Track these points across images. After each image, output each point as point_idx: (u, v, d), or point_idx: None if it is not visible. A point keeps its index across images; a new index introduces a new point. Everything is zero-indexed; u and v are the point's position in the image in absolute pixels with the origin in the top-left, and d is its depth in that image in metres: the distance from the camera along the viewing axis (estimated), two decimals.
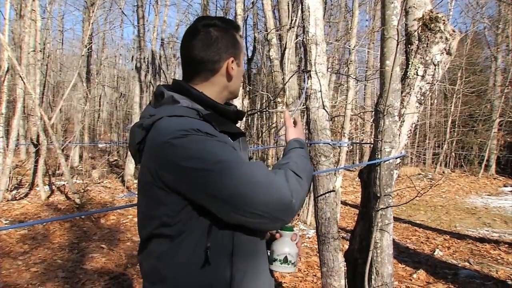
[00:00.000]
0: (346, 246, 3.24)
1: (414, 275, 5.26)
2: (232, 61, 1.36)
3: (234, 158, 1.15)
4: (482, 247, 6.73)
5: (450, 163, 19.30)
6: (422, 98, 2.97)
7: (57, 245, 6.15)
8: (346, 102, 7.68)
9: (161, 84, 1.53)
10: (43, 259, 5.55)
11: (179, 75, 28.46)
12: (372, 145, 3.07)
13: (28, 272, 5.02)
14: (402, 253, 6.36)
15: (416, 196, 3.43)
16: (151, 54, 15.77)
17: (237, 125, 1.43)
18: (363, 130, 13.62)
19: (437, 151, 19.20)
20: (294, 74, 6.09)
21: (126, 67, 28.56)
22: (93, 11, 11.40)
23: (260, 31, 13.50)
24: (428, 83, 2.95)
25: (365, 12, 19.72)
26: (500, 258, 6.11)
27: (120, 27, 24.38)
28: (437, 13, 2.92)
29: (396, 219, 8.34)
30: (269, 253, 1.40)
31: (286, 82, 6.05)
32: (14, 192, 9.12)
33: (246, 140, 1.42)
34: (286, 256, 1.37)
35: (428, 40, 2.89)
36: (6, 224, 6.93)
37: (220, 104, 1.35)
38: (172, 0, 18.76)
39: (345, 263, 3.03)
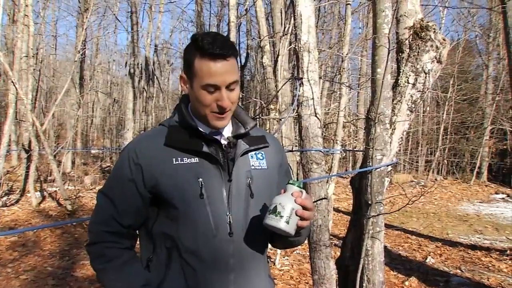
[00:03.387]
0: (339, 253, 3.24)
1: (406, 282, 5.26)
2: (181, 78, 1.39)
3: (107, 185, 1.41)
4: (474, 254, 6.75)
5: (443, 170, 19.39)
6: (413, 106, 2.99)
7: (48, 252, 6.09)
8: (339, 109, 7.71)
9: None
10: (33, 266, 5.49)
11: (172, 81, 28.47)
12: (364, 152, 3.08)
13: (17, 280, 4.97)
14: (394, 260, 6.36)
15: (407, 204, 3.45)
16: (145, 60, 15.78)
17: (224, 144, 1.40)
18: (356, 137, 13.66)
19: (430, 158, 19.30)
20: (287, 82, 6.10)
21: (119, 73, 28.49)
22: (86, 17, 11.39)
23: (254, 38, 13.57)
24: (419, 91, 2.97)
25: (358, 20, 19.86)
26: (491, 265, 6.13)
27: (114, 33, 24.37)
28: (428, 22, 2.95)
29: (388, 226, 8.35)
30: None
31: (279, 89, 6.06)
32: (4, 198, 9.03)
33: (217, 161, 1.34)
34: (276, 206, 1.26)
35: (419, 48, 2.92)
36: None
37: (186, 119, 1.38)
38: (166, 7, 18.77)
39: (336, 271, 3.02)
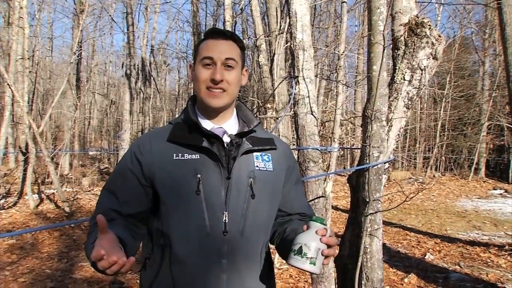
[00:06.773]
0: (337, 252, 3.23)
1: (405, 279, 5.26)
2: (190, 66, 1.47)
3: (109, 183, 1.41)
4: (473, 250, 6.76)
5: (441, 167, 19.42)
6: (410, 102, 2.98)
7: (46, 255, 6.07)
8: (336, 107, 7.69)
9: None
10: (31, 269, 5.46)
11: (169, 82, 28.45)
12: (361, 150, 3.07)
13: (15, 283, 4.95)
14: (393, 257, 6.36)
15: (404, 201, 3.44)
16: (141, 61, 15.75)
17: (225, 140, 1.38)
18: (353, 135, 13.67)
19: (428, 155, 19.32)
20: (283, 80, 6.09)
21: (116, 74, 28.50)
22: (82, 18, 11.35)
23: (249, 37, 13.53)
24: (415, 87, 2.96)
25: (355, 18, 19.91)
26: (490, 261, 6.14)
27: (110, 34, 24.37)
28: (423, 18, 2.94)
29: (387, 223, 8.35)
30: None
31: (276, 88, 6.06)
32: (2, 201, 9.00)
33: (217, 157, 1.32)
34: (301, 247, 1.20)
35: (414, 45, 2.91)
36: None
37: (189, 115, 1.39)
38: (161, 7, 18.73)
39: (335, 269, 3.02)
